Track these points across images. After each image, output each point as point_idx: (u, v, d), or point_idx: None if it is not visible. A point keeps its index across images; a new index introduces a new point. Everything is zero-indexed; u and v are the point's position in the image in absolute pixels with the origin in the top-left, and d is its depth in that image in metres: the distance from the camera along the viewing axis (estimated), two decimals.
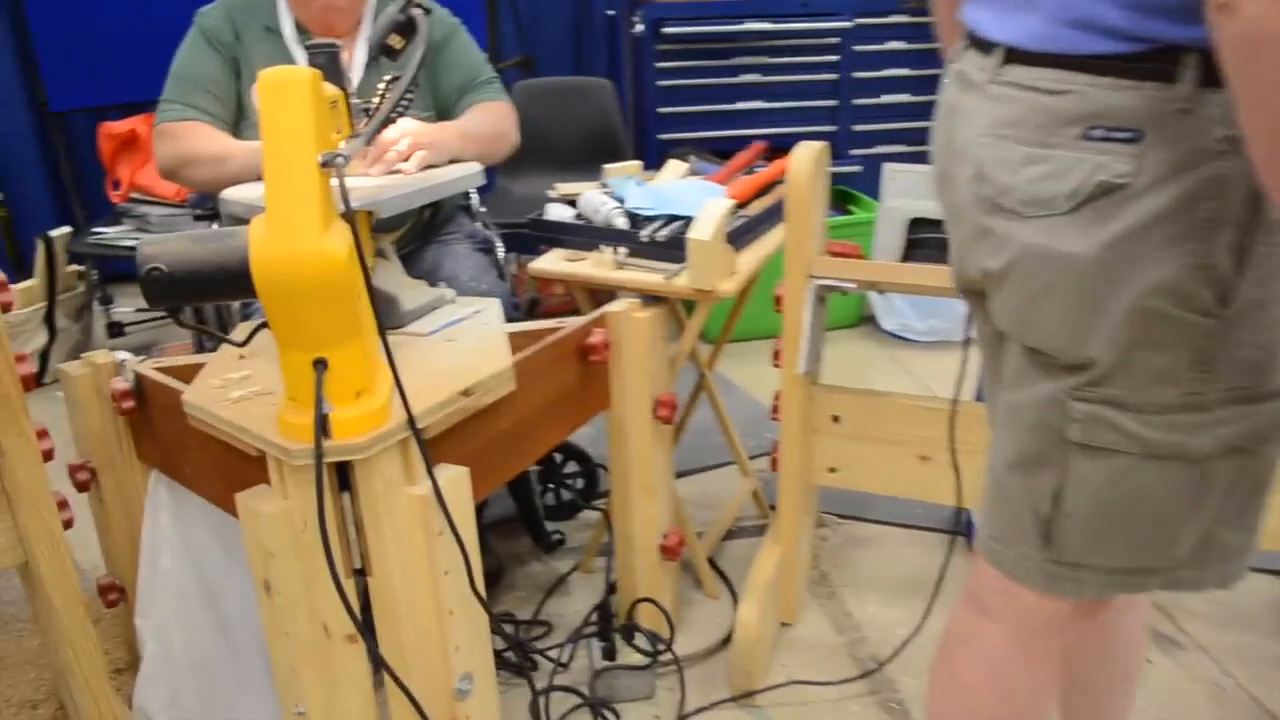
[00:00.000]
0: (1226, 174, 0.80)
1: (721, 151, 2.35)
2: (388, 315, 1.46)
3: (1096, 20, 0.82)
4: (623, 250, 1.78)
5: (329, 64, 1.36)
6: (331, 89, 1.26)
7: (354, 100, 1.41)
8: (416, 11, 1.47)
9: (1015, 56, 0.89)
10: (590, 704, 1.71)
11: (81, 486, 1.53)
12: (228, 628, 1.51)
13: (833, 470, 1.81)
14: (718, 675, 1.79)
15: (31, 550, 1.40)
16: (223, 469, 1.31)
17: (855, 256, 1.69)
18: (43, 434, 1.39)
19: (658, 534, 1.78)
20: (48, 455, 1.40)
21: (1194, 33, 0.77)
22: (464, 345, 1.41)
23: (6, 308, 1.33)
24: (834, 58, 3.60)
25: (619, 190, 1.95)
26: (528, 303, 3.49)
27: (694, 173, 2.16)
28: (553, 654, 1.81)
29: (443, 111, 1.96)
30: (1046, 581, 0.99)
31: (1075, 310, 0.88)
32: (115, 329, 3.45)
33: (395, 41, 1.51)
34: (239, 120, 1.87)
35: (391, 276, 1.53)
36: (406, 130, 1.60)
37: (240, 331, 1.42)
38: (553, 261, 1.85)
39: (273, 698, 1.24)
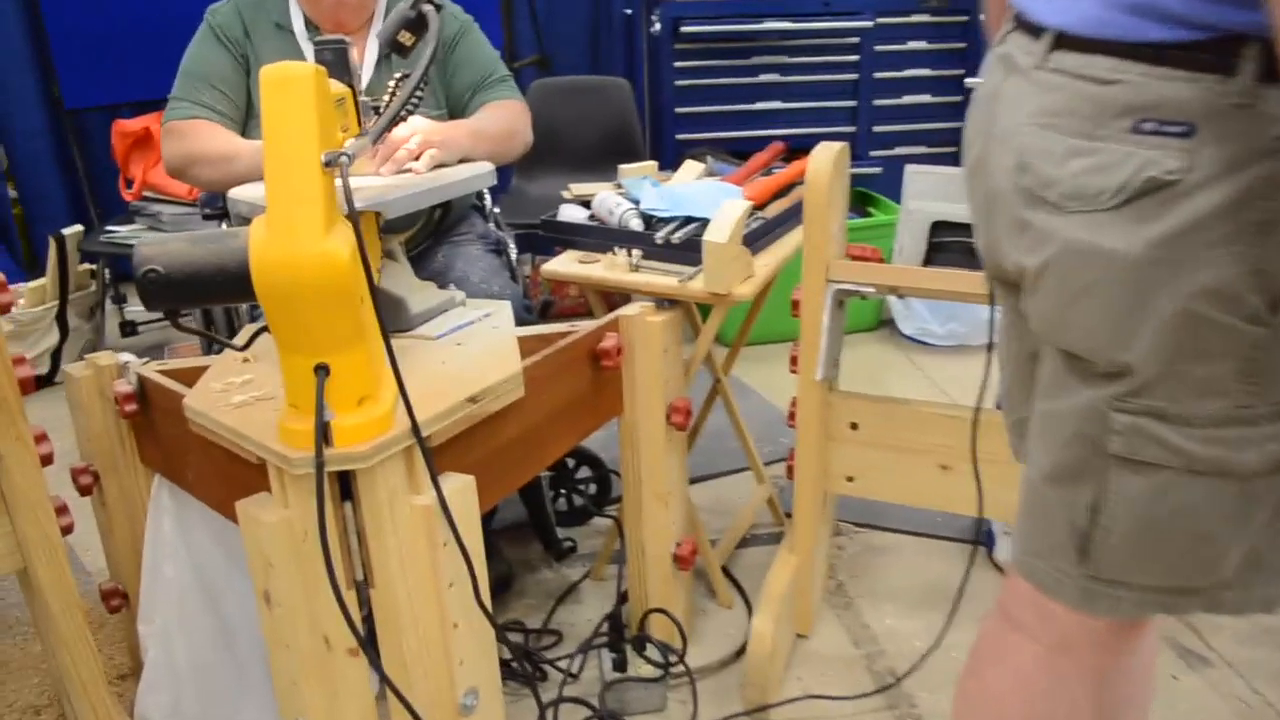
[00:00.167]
0: None
1: (739, 152, 2.32)
2: (395, 318, 1.43)
3: (1156, 5, 0.79)
4: (637, 252, 1.74)
5: (337, 60, 1.33)
6: (339, 86, 1.23)
7: (363, 98, 1.38)
8: (427, 7, 1.44)
9: (1065, 42, 0.86)
10: (600, 716, 1.68)
11: (84, 490, 1.52)
12: (230, 634, 1.50)
13: (850, 479, 1.78)
14: (731, 688, 1.76)
15: (29, 556, 1.39)
16: (224, 474, 1.29)
17: (875, 260, 1.66)
18: (41, 438, 1.37)
19: (671, 542, 1.75)
20: (46, 460, 1.38)
21: (1258, 18, 0.73)
22: (472, 350, 1.38)
23: (5, 309, 1.31)
24: (854, 57, 3.57)
25: (634, 191, 1.92)
26: (541, 305, 3.46)
27: (711, 173, 2.13)
28: (562, 664, 1.78)
29: (455, 110, 1.93)
30: (1082, 598, 0.95)
31: (1116, 311, 0.84)
32: (128, 328, 3.45)
33: (406, 38, 1.48)
34: (248, 118, 1.85)
35: (400, 278, 1.50)
36: (417, 128, 1.57)
37: (244, 334, 1.39)
38: (566, 263, 1.82)
39: (275, 706, 1.22)
